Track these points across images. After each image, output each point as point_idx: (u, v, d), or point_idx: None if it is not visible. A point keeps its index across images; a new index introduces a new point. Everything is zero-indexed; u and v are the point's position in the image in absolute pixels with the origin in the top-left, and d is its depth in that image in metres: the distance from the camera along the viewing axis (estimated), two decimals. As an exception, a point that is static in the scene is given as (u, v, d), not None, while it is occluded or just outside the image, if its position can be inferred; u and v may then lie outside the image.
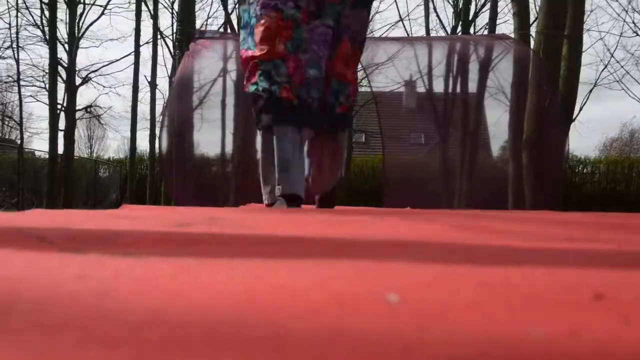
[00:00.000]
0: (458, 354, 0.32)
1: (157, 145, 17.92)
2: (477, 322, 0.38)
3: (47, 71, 17.48)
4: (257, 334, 0.35)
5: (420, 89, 9.17)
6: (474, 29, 16.76)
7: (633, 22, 19.22)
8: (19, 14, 18.48)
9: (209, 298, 0.45)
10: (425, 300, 0.45)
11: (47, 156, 16.60)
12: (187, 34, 9.31)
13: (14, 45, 18.60)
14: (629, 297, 0.45)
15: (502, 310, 0.41)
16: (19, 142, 19.41)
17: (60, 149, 16.13)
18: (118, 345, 0.33)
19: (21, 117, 19.21)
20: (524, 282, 0.53)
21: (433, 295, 0.47)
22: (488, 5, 14.88)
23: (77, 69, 17.93)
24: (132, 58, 17.44)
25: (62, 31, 18.20)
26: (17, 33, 18.64)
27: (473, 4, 16.29)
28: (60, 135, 16.14)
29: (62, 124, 16.48)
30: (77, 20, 17.85)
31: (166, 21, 23.34)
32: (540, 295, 0.47)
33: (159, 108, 18.41)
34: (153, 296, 0.46)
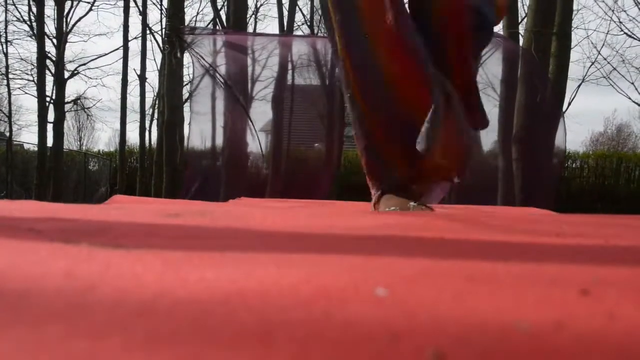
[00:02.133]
0: (446, 342, 0.32)
1: (147, 138, 17.92)
2: (464, 313, 0.39)
3: (35, 65, 17.42)
4: (245, 325, 0.35)
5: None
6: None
7: (619, 20, 19.36)
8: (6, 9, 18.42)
9: (198, 293, 0.45)
10: (413, 293, 0.45)
11: (36, 149, 16.54)
12: (177, 30, 9.31)
13: (2, 40, 18.53)
14: (614, 293, 0.46)
15: (489, 303, 0.42)
16: (7, 135, 19.30)
17: (50, 142, 16.08)
18: (105, 337, 0.33)
19: (10, 110, 19.10)
20: (511, 277, 0.54)
21: (420, 288, 0.47)
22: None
23: (65, 61, 17.87)
24: (121, 51, 17.43)
25: (50, 27, 18.16)
26: (5, 27, 18.56)
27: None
28: (49, 127, 16.08)
29: (51, 116, 16.42)
30: (64, 16, 17.77)
31: (155, 17, 23.27)
32: (527, 290, 0.47)
33: (148, 101, 18.39)
34: (141, 291, 0.46)
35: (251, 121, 8.41)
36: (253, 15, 19.03)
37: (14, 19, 20.01)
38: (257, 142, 8.58)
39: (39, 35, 16.14)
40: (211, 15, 18.39)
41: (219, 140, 8.83)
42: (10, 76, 19.16)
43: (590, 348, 0.33)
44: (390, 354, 0.31)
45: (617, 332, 0.35)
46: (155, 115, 18.04)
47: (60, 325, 0.35)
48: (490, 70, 8.01)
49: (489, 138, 8.79)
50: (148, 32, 17.41)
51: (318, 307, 0.40)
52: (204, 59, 7.96)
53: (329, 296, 0.43)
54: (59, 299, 0.42)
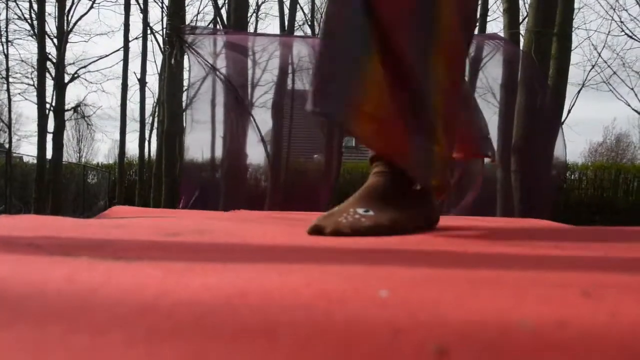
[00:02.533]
0: (448, 338, 0.33)
1: (146, 149, 17.94)
2: (466, 312, 0.39)
3: (35, 67, 17.41)
4: (247, 324, 0.35)
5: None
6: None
7: (620, 20, 19.50)
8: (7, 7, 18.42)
9: (200, 295, 0.45)
10: (415, 294, 0.45)
11: (35, 161, 16.52)
12: (177, 29, 9.31)
13: (3, 40, 18.49)
14: (615, 294, 0.46)
15: (491, 303, 0.42)
16: (7, 146, 19.27)
17: (49, 153, 16.06)
18: (106, 333, 0.33)
19: (10, 119, 19.06)
20: (513, 281, 0.54)
21: (423, 290, 0.47)
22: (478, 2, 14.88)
23: (66, 63, 17.86)
24: (121, 53, 17.42)
25: (51, 26, 18.18)
26: (6, 26, 18.53)
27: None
28: (49, 138, 16.07)
29: (50, 125, 16.41)
30: (65, 14, 17.77)
31: (156, 16, 23.35)
32: (529, 292, 0.47)
33: (148, 108, 18.40)
34: (143, 293, 0.46)
35: (254, 121, 8.36)
36: (254, 14, 19.10)
37: (15, 17, 20.03)
38: (262, 143, 8.51)
39: (40, 34, 16.11)
40: (212, 14, 18.45)
41: (218, 150, 8.81)
42: (11, 80, 19.15)
43: (593, 346, 0.33)
44: (392, 351, 0.31)
45: (619, 330, 0.35)
46: (155, 124, 18.05)
47: (62, 324, 0.35)
48: (490, 74, 8.00)
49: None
50: (149, 32, 17.43)
51: (320, 308, 0.40)
52: (204, 60, 7.95)
53: (331, 298, 0.44)
54: (60, 301, 0.43)
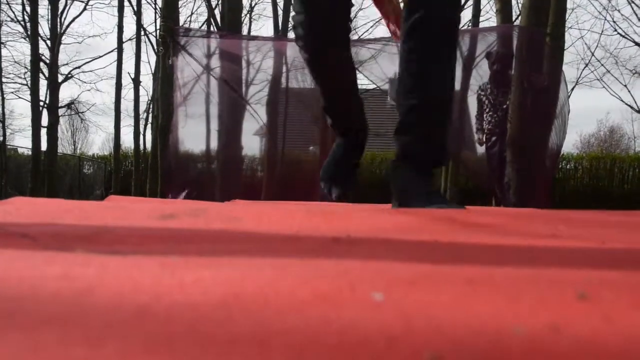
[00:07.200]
0: (442, 346, 0.32)
1: (141, 141, 17.92)
2: (461, 317, 0.39)
3: (28, 68, 17.39)
4: (242, 329, 0.35)
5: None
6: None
7: (613, 21, 19.53)
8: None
9: (195, 297, 0.45)
10: (410, 297, 0.45)
11: (29, 153, 16.48)
12: (171, 30, 9.28)
13: (-5, 42, 18.46)
14: (610, 295, 0.46)
15: (486, 307, 0.42)
16: (1, 139, 19.19)
17: (44, 146, 16.03)
18: (102, 343, 0.32)
19: (3, 114, 19.02)
20: (508, 281, 0.54)
21: (418, 292, 0.47)
22: (471, 2, 14.79)
23: (59, 64, 17.84)
24: (114, 54, 17.45)
25: (45, 29, 18.15)
26: (-1, 28, 18.50)
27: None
28: (43, 132, 16.05)
29: (44, 121, 16.39)
30: (59, 16, 17.74)
31: (149, 17, 23.24)
32: (523, 293, 0.47)
33: (142, 105, 18.40)
34: (138, 295, 0.46)
35: (250, 106, 8.31)
36: (248, 15, 19.04)
37: (8, 19, 19.90)
38: (259, 121, 8.42)
39: (33, 36, 16.09)
40: (205, 15, 18.43)
41: (213, 144, 8.80)
42: (4, 80, 19.12)
43: (587, 351, 0.33)
44: (387, 359, 0.31)
45: (613, 335, 0.35)
46: (150, 119, 18.06)
47: (57, 330, 0.35)
48: (486, 71, 7.99)
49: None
50: (142, 33, 17.43)
51: (315, 311, 0.40)
52: (197, 61, 7.94)
53: (326, 300, 0.43)
54: (55, 305, 0.42)
